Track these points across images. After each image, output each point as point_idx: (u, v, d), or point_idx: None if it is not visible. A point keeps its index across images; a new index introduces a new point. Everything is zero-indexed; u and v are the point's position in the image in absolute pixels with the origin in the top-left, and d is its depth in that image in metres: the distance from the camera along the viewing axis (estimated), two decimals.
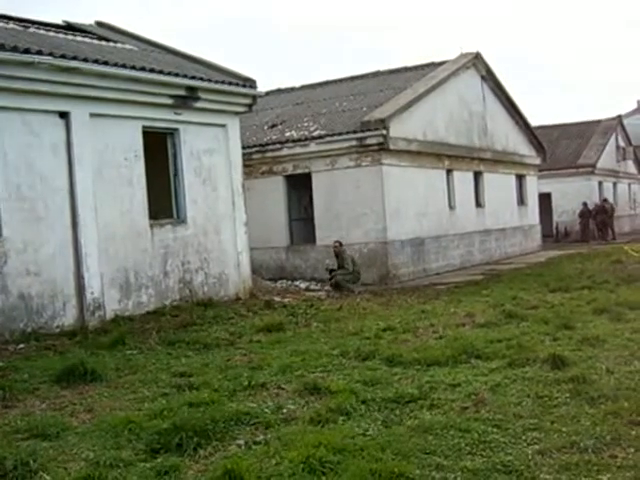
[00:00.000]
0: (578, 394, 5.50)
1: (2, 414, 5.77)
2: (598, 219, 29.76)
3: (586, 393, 5.49)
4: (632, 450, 4.32)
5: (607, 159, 32.66)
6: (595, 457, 4.24)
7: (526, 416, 5.10)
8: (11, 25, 11.72)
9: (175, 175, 12.00)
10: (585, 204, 29.84)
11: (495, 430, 4.82)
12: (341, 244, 15.06)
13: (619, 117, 35.16)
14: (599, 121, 34.01)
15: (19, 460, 4.43)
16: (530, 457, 4.32)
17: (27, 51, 9.37)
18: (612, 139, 33.72)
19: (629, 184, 37.05)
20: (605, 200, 30.06)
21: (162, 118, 11.65)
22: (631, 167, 37.11)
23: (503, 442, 4.59)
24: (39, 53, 9.47)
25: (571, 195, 30.65)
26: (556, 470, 4.10)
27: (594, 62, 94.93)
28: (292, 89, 23.25)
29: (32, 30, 11.90)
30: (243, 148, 13.96)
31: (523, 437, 4.67)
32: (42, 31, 12.15)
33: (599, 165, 31.38)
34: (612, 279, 13.30)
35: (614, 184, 34.26)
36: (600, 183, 32.29)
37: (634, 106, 49.61)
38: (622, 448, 4.37)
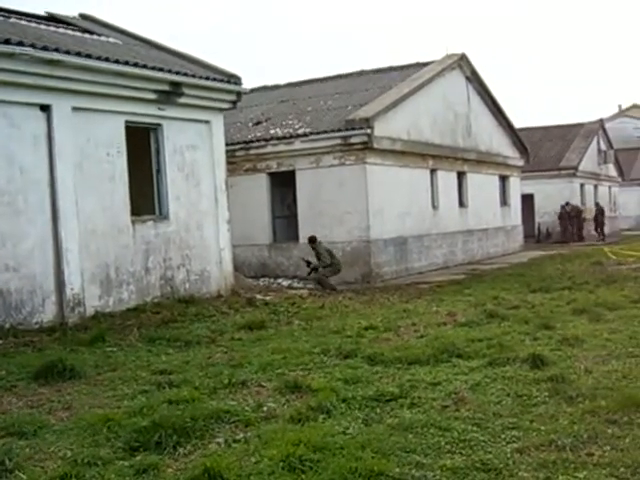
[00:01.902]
0: (557, 393, 5.56)
1: None
2: (599, 220, 30.93)
3: (564, 392, 5.54)
4: (608, 448, 4.38)
5: (589, 162, 32.99)
6: (572, 455, 4.28)
7: (505, 415, 5.13)
8: None
9: (158, 171, 11.91)
10: (563, 207, 30.22)
11: (475, 429, 4.84)
12: (314, 240, 14.77)
13: (601, 121, 35.50)
14: (582, 124, 34.31)
15: None
16: (509, 455, 4.34)
17: (7, 42, 9.18)
18: (594, 142, 34.03)
19: (609, 187, 37.48)
20: (567, 203, 30.42)
21: (145, 113, 11.55)
22: (612, 170, 37.50)
23: (482, 441, 4.62)
24: (20, 44, 9.30)
25: (553, 196, 30.94)
26: (534, 468, 4.14)
27: (578, 66, 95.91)
28: (277, 87, 23.19)
29: (13, 20, 11.72)
30: (227, 145, 13.89)
31: (502, 436, 4.70)
32: (24, 22, 11.97)
33: (581, 167, 31.69)
34: (592, 280, 13.48)
35: (595, 186, 34.62)
36: (582, 185, 32.62)
37: (615, 110, 50.27)
38: (599, 446, 4.42)
